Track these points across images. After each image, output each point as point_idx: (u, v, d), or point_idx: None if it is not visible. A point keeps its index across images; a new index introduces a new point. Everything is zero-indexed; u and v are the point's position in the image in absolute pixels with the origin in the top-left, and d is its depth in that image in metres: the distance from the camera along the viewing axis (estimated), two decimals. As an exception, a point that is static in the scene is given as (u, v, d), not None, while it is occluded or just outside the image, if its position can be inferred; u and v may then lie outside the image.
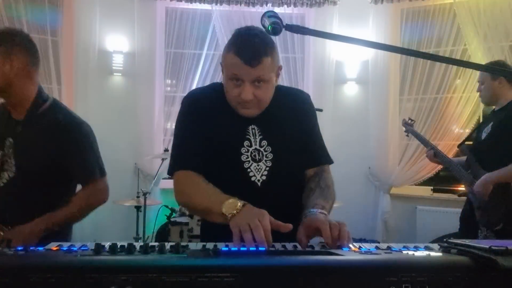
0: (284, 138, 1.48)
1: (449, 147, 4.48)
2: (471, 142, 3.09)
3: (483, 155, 2.83)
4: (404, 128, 3.49)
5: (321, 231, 1.15)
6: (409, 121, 3.51)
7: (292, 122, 1.51)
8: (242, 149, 1.44)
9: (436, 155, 3.07)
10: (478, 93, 3.00)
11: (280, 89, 1.57)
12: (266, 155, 1.45)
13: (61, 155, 1.77)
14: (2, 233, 1.70)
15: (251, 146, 1.44)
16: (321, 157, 1.56)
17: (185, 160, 1.45)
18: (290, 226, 1.15)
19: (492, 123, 2.86)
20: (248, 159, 1.43)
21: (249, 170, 1.43)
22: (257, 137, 1.46)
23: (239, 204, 1.21)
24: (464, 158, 3.00)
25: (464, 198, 3.08)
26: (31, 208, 1.74)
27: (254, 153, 1.44)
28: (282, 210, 1.26)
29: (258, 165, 1.43)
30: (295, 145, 1.50)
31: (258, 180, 1.43)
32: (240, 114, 1.44)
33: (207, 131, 1.45)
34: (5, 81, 1.74)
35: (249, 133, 1.46)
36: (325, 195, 1.41)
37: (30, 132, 1.78)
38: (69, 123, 1.82)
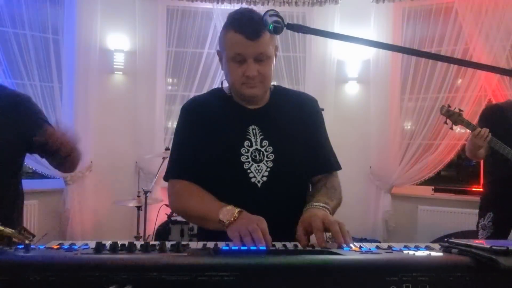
0: (287, 139, 1.46)
1: (450, 147, 4.48)
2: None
3: None
4: (446, 119, 2.85)
5: (312, 226, 1.15)
6: (454, 109, 2.85)
7: (297, 124, 1.49)
8: (242, 149, 1.41)
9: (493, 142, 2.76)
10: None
11: (284, 91, 1.57)
12: (267, 155, 1.42)
13: (26, 126, 1.76)
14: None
15: (251, 146, 1.42)
16: (330, 164, 1.53)
17: (181, 169, 1.46)
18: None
19: None
20: (248, 160, 1.41)
21: (249, 171, 1.40)
22: (257, 137, 1.43)
23: (236, 211, 1.22)
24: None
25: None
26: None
27: (254, 154, 1.42)
28: (282, 211, 1.27)
29: (258, 166, 1.41)
30: (298, 147, 1.47)
31: (258, 181, 1.40)
32: (245, 94, 1.41)
33: (207, 134, 1.44)
34: None
35: (249, 133, 1.43)
36: (330, 195, 1.41)
37: None
38: (21, 95, 1.86)
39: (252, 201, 1.26)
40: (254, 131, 1.44)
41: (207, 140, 1.43)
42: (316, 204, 1.30)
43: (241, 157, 1.41)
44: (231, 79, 1.42)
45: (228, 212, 1.22)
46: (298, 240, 1.17)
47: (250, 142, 1.43)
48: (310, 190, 1.53)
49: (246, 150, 1.42)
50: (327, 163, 1.53)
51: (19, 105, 1.79)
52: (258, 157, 1.41)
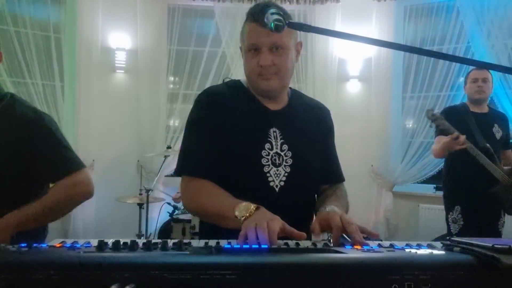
0: (304, 144, 1.44)
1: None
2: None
3: (496, 152, 2.95)
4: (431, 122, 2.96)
5: (331, 223, 1.15)
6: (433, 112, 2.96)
7: (313, 131, 1.48)
8: (263, 152, 1.37)
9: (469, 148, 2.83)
10: (479, 90, 3.04)
11: (301, 95, 1.57)
12: (286, 160, 1.39)
13: (27, 152, 1.57)
14: None
15: (272, 149, 1.38)
16: (339, 175, 1.58)
17: (196, 165, 1.38)
18: (304, 235, 1.13)
19: (497, 124, 3.05)
20: (268, 163, 1.37)
21: (268, 174, 1.37)
22: (278, 140, 1.40)
23: (252, 206, 1.19)
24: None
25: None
26: None
27: (274, 157, 1.38)
28: (297, 216, 1.25)
29: (277, 170, 1.38)
30: (314, 153, 1.47)
31: (276, 186, 1.37)
32: (260, 87, 1.39)
33: (226, 131, 1.38)
34: None
35: (270, 136, 1.40)
36: (339, 201, 1.41)
37: None
38: (29, 117, 1.61)
39: (268, 205, 1.23)
40: (274, 134, 1.41)
41: (227, 137, 1.37)
42: (329, 208, 1.29)
43: (262, 160, 1.37)
44: (247, 71, 1.40)
45: (244, 208, 1.19)
46: (312, 230, 1.16)
47: (271, 145, 1.39)
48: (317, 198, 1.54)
49: (267, 153, 1.38)
50: (337, 174, 1.57)
51: (21, 128, 1.59)
52: (277, 161, 1.38)
